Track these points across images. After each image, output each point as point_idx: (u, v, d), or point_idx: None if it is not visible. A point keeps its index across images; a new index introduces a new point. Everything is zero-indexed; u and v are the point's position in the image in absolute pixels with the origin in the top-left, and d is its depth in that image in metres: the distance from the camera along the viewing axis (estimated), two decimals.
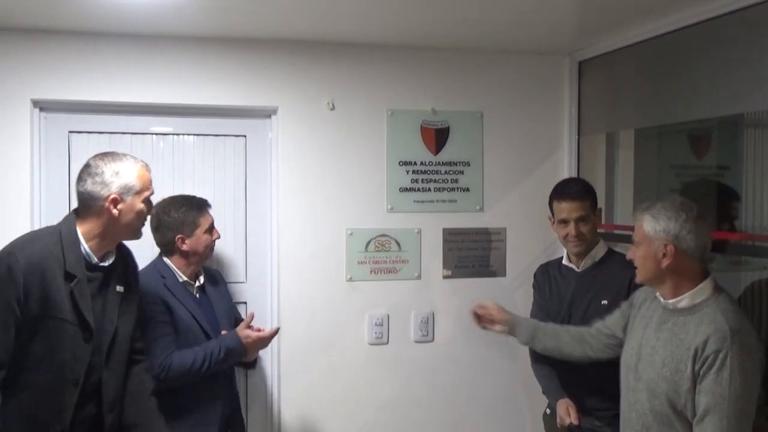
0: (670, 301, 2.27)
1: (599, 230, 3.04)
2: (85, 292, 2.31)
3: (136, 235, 2.50)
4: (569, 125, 3.66)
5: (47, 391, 2.27)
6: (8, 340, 2.20)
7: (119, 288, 2.48)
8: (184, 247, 2.89)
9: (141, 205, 2.43)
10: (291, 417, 3.38)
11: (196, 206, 2.95)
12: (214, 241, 3.01)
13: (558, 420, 2.81)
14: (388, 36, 3.27)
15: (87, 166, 2.41)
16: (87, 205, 2.38)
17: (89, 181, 2.37)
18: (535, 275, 3.18)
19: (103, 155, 2.45)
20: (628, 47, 3.25)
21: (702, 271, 2.26)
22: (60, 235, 2.32)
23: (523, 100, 3.62)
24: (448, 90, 3.53)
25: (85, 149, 3.17)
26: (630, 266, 2.72)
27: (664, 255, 2.22)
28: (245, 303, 3.40)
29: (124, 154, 2.47)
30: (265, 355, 3.38)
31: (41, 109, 3.15)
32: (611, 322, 2.60)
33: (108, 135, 3.24)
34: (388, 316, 3.47)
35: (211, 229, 2.98)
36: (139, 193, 2.42)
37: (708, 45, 2.85)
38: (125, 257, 2.58)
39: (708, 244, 2.26)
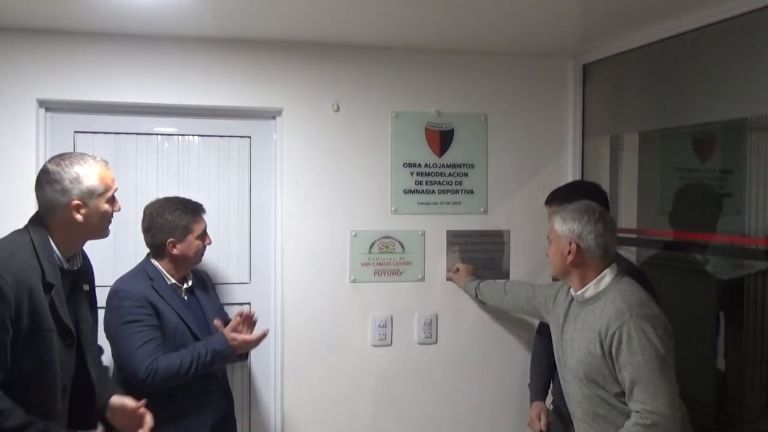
0: (578, 293, 2.53)
1: None
2: (62, 299, 2.27)
3: (104, 234, 2.42)
4: (573, 128, 3.66)
5: (42, 402, 2.23)
6: (5, 361, 2.13)
7: (86, 287, 2.45)
8: (175, 252, 2.85)
9: (105, 206, 2.35)
10: (294, 418, 3.38)
11: (191, 210, 2.91)
12: (205, 246, 2.97)
13: (528, 420, 3.06)
14: (393, 38, 3.28)
15: (45, 171, 2.31)
16: (49, 213, 2.31)
17: (48, 188, 2.28)
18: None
19: (60, 159, 2.33)
20: (633, 50, 3.26)
21: (605, 264, 2.50)
22: (33, 246, 2.25)
23: (527, 103, 3.63)
24: (453, 92, 3.53)
25: (90, 149, 3.15)
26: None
27: (569, 252, 2.48)
28: (249, 303, 3.40)
29: (83, 155, 2.37)
30: (269, 355, 3.40)
31: (47, 109, 3.16)
32: (539, 299, 2.91)
33: (113, 135, 3.25)
34: (392, 317, 3.47)
35: (203, 235, 2.93)
36: (102, 194, 2.33)
37: (712, 49, 2.86)
38: (84, 256, 2.53)
39: (609, 242, 2.50)
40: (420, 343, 3.52)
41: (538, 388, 3.14)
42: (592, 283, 2.48)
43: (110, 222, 2.43)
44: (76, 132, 3.20)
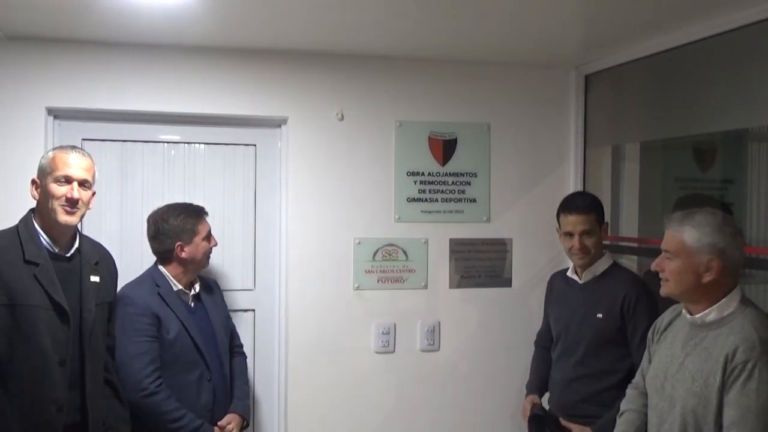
0: (698, 315, 2.19)
1: (606, 242, 3.08)
2: (51, 277, 2.37)
3: (53, 217, 2.42)
4: (575, 138, 3.69)
5: (35, 375, 2.33)
6: None
7: (94, 278, 2.52)
8: (183, 255, 2.89)
9: (50, 186, 2.42)
10: (298, 424, 3.39)
11: (194, 213, 2.95)
12: (212, 248, 3.01)
13: (522, 410, 3.10)
14: (397, 48, 3.31)
15: None
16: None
17: None
18: (548, 282, 3.24)
19: None
20: (634, 61, 3.29)
21: (733, 283, 2.19)
22: (17, 231, 2.42)
23: (529, 113, 3.66)
24: (456, 102, 3.56)
25: (97, 157, 3.18)
26: (625, 283, 2.82)
27: (708, 270, 2.14)
28: (253, 310, 3.43)
29: (65, 146, 2.53)
30: (272, 362, 3.43)
31: (55, 117, 3.20)
32: (641, 375, 2.49)
33: (120, 143, 3.29)
34: (395, 324, 3.50)
35: (208, 236, 2.98)
36: (49, 173, 2.43)
37: (713, 60, 2.89)
38: (98, 249, 2.64)
39: (744, 259, 2.22)
40: (423, 351, 3.54)
41: (533, 383, 3.20)
42: (716, 306, 2.15)
43: (61, 205, 2.42)
44: (83, 139, 3.22)
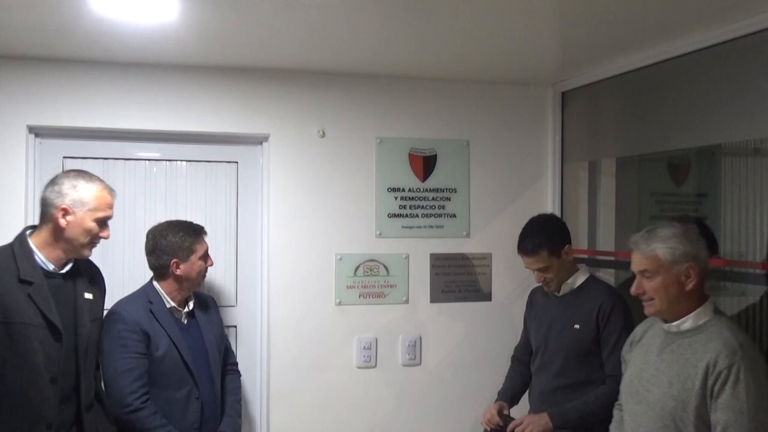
0: (674, 323, 2.28)
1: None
2: (45, 296, 2.38)
3: (81, 252, 2.50)
4: (553, 154, 3.74)
5: (26, 393, 2.33)
6: None
7: (88, 295, 2.55)
8: (178, 272, 2.90)
9: (91, 224, 2.46)
10: None
11: (193, 232, 2.97)
12: (207, 268, 3.03)
13: (484, 413, 3.04)
14: (378, 66, 3.35)
15: (54, 176, 2.53)
16: (42, 212, 2.48)
17: (48, 188, 2.49)
18: (528, 297, 3.27)
19: (72, 170, 2.57)
20: (610, 79, 3.35)
21: (704, 291, 2.30)
22: (12, 249, 2.42)
23: (508, 129, 3.71)
24: (436, 119, 3.61)
25: None
26: (601, 293, 2.86)
27: (688, 277, 2.23)
28: (235, 327, 3.43)
29: (94, 176, 2.54)
30: (254, 378, 3.43)
31: (36, 135, 3.20)
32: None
33: (102, 160, 3.29)
34: (376, 339, 3.52)
35: (205, 256, 3.00)
36: (92, 210, 2.46)
37: (687, 77, 2.95)
38: (90, 266, 2.66)
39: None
40: (404, 365, 3.56)
41: (504, 394, 3.16)
42: (692, 315, 2.24)
43: (93, 243, 2.52)
44: (65, 157, 3.23)
